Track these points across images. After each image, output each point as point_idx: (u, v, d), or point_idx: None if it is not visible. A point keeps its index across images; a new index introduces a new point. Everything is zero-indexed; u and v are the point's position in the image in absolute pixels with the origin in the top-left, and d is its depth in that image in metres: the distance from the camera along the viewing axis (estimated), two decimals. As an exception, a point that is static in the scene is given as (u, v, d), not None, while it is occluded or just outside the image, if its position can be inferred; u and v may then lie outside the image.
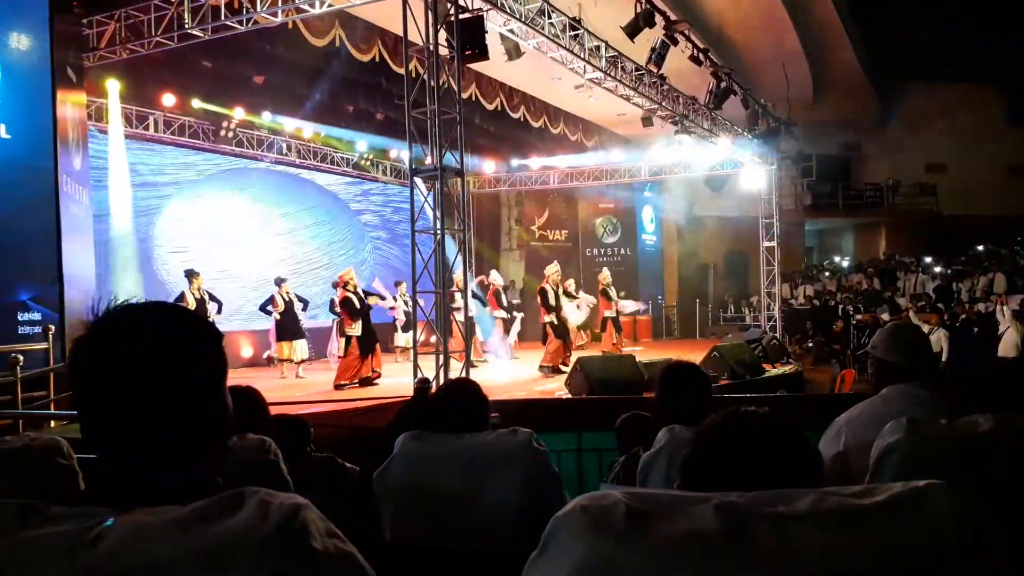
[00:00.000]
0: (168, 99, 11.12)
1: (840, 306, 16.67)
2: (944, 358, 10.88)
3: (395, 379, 9.35)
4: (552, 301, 10.94)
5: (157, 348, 0.89)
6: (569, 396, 7.72)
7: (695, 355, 10.06)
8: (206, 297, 9.74)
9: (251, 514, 0.78)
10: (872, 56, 19.81)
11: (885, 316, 14.08)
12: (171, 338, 0.91)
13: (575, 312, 12.00)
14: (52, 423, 5.97)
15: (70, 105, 8.26)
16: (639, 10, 9.62)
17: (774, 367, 11.16)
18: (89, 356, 0.90)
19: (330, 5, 8.07)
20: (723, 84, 12.29)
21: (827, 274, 21.66)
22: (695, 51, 11.26)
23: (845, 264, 23.40)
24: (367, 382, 9.43)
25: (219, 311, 9.79)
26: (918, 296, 15.72)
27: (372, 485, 2.27)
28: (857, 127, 22.18)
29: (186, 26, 8.55)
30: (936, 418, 1.76)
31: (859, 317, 14.81)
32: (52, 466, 1.77)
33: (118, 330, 0.91)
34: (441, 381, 7.05)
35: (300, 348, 10.58)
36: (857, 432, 2.03)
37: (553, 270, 11.39)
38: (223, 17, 8.34)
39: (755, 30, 15.58)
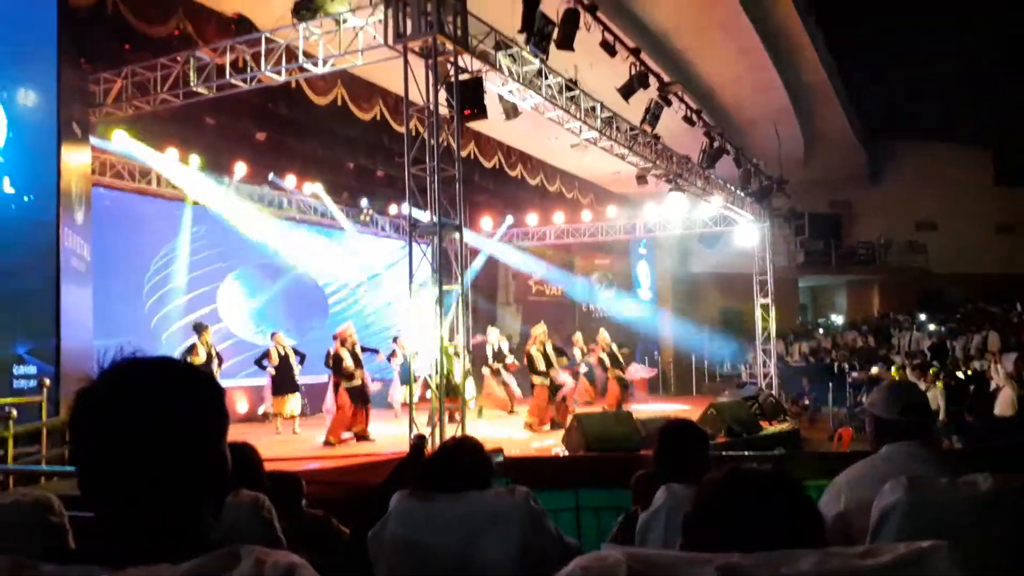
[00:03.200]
0: (171, 153, 11.25)
1: (836, 363, 16.63)
2: (941, 416, 10.81)
3: (391, 435, 9.21)
4: (540, 365, 10.71)
5: (160, 404, 0.89)
6: (566, 453, 7.63)
7: (692, 412, 9.99)
8: (214, 352, 9.67)
9: (247, 573, 0.77)
10: (861, 115, 20.27)
11: (875, 370, 14.06)
12: (174, 394, 0.91)
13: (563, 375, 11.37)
14: (43, 479, 5.85)
15: (75, 159, 8.33)
16: (633, 72, 9.88)
17: (771, 424, 11.08)
18: (91, 409, 0.89)
19: (333, 65, 8.26)
20: (716, 143, 12.53)
21: (822, 331, 21.68)
22: (688, 111, 11.52)
23: (839, 321, 23.43)
24: (362, 436, 9.29)
25: (219, 365, 9.70)
26: (913, 354, 15.72)
27: (366, 544, 2.22)
28: (847, 185, 22.53)
29: (191, 84, 8.71)
30: (936, 477, 1.75)
31: (855, 374, 14.76)
32: (42, 523, 1.74)
33: (121, 384, 0.90)
34: (437, 437, 6.96)
35: (295, 403, 10.40)
36: (858, 492, 2.00)
37: (540, 331, 11.08)
38: (227, 75, 8.51)
39: (746, 91, 15.97)
